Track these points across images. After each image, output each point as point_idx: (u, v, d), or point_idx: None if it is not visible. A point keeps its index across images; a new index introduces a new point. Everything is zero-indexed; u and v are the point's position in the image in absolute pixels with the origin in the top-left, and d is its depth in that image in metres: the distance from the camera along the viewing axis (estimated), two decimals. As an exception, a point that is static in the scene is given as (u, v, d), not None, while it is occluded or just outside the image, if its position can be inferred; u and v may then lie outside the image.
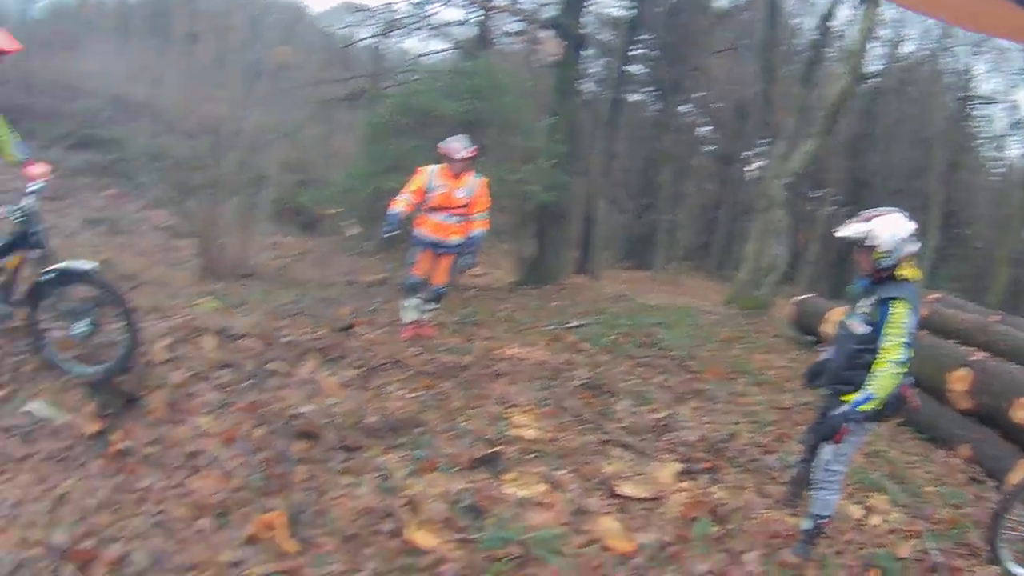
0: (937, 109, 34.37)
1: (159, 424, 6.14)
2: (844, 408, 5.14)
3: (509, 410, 7.32)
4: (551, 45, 16.41)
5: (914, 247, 5.23)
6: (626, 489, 6.11)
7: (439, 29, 23.37)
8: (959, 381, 9.27)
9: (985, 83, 35.82)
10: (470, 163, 9.31)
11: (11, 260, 6.83)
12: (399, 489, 5.50)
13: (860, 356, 5.26)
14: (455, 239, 9.44)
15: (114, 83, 27.05)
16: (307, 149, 22.54)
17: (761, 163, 38.57)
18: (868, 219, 5.25)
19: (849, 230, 5.28)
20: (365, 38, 23.70)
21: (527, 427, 6.96)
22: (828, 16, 22.67)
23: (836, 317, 12.78)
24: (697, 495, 6.27)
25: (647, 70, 34.79)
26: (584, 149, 19.74)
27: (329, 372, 7.46)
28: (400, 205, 9.15)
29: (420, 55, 25.73)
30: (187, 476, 5.45)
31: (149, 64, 15.05)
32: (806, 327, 14.56)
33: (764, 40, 24.28)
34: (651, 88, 36.47)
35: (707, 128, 40.34)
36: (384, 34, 22.53)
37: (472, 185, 9.38)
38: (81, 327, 6.85)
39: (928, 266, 29.46)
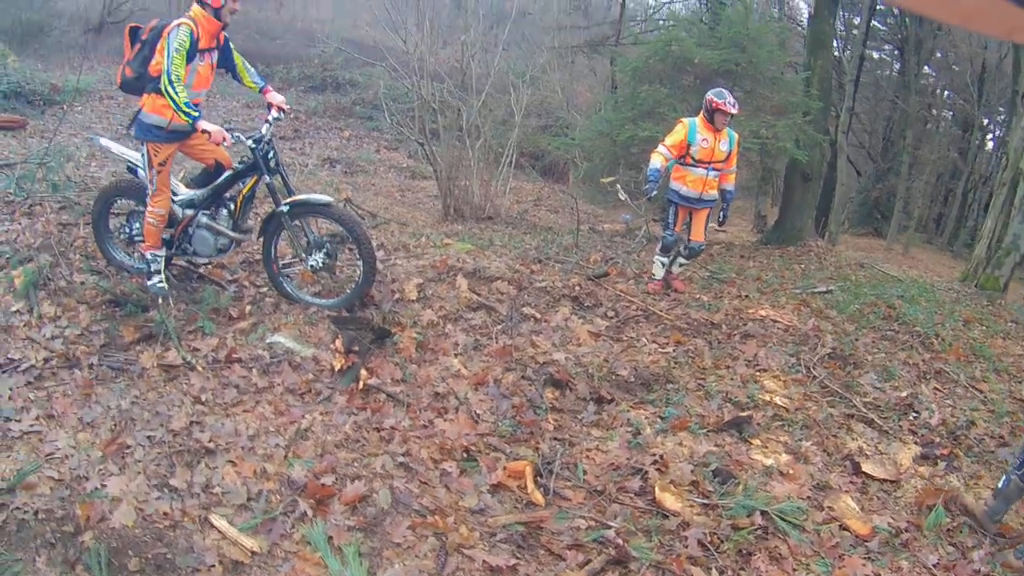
0: None
1: (408, 363, 6.42)
2: None
3: (759, 374, 7.39)
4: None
5: None
6: (867, 468, 6.09)
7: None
8: None
9: None
10: (730, 120, 9.22)
11: (246, 186, 7.25)
12: (648, 446, 5.65)
13: None
14: (712, 193, 9.43)
15: (349, 28, 27.98)
16: (549, 95, 22.67)
17: (1001, 133, 36.73)
18: None
19: None
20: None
21: (776, 393, 7.02)
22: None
23: None
24: (935, 482, 6.16)
25: (888, 28, 33.48)
26: (831, 107, 19.16)
27: (582, 320, 7.67)
28: (659, 159, 9.12)
29: (664, 2, 25.54)
30: (434, 417, 5.68)
31: (387, 8, 15.49)
32: None
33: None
34: (892, 46, 35.05)
35: (947, 92, 38.31)
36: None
37: (732, 139, 9.34)
38: (317, 259, 7.26)
39: None
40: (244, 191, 7.29)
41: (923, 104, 34.52)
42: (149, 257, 7.24)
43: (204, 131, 6.54)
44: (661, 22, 20.02)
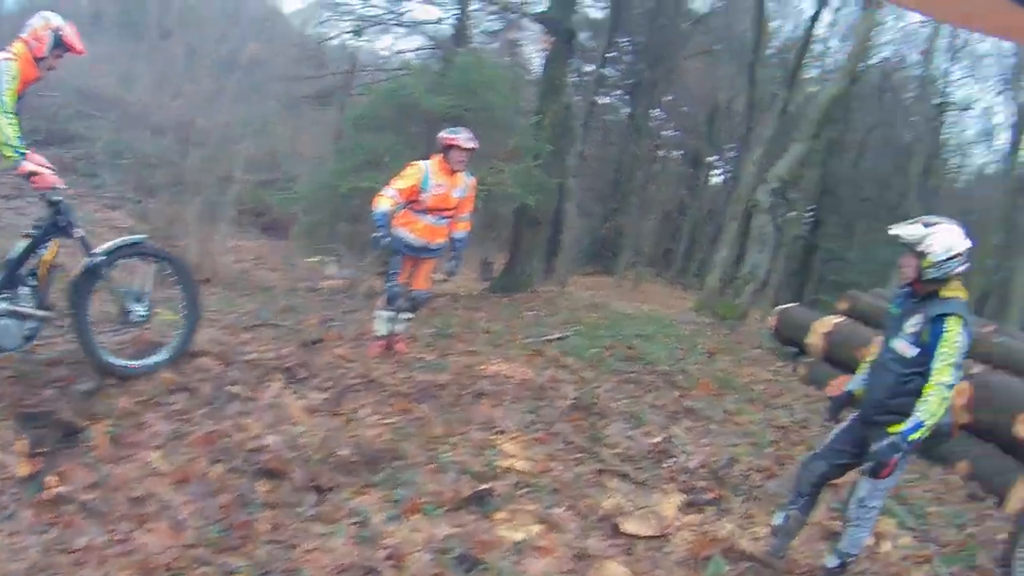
0: (913, 115, 34.26)
1: (102, 463, 5.29)
2: (892, 439, 4.62)
3: (495, 437, 6.68)
4: (540, 41, 15.81)
5: (964, 267, 4.78)
6: (629, 526, 5.57)
7: (415, 27, 22.89)
8: (957, 395, 8.76)
9: (959, 89, 35.71)
10: (468, 160, 8.55)
11: (48, 251, 6.30)
12: (380, 538, 4.80)
13: (909, 381, 4.81)
14: (441, 242, 8.71)
15: (81, 77, 26.29)
16: (274, 148, 21.83)
17: (728, 169, 38.91)
18: (927, 224, 4.80)
19: (905, 231, 4.83)
20: (338, 35, 23.12)
21: (516, 457, 6.34)
22: (815, 19, 22.17)
23: (822, 328, 12.41)
24: (706, 530, 5.76)
25: (620, 72, 34.67)
26: (565, 151, 19.13)
27: (295, 395, 6.69)
28: (387, 203, 8.19)
29: (397, 52, 25.30)
30: (134, 528, 4.65)
31: (119, 58, 14.42)
32: (787, 338, 14.06)
33: (753, 42, 23.90)
34: (622, 91, 36.39)
35: (676, 132, 40.06)
36: (359, 31, 21.95)
37: (466, 184, 8.67)
38: (142, 311, 6.53)
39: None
40: (47, 258, 6.21)
41: (652, 145, 35.83)
42: None
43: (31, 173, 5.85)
44: (379, 73, 19.56)
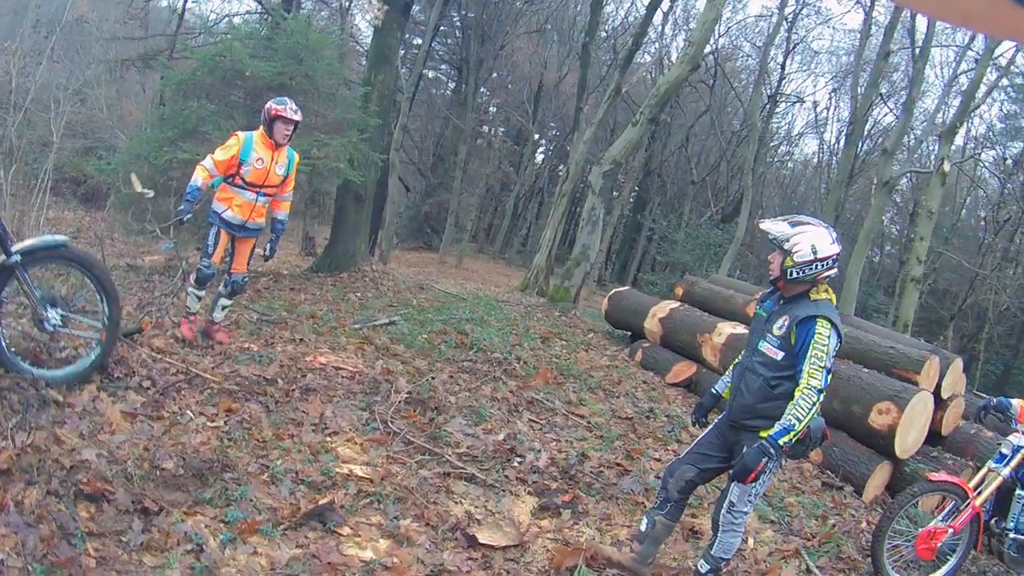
0: (745, 104, 35.28)
1: None
2: (761, 443, 4.49)
3: (330, 439, 6.21)
4: (374, 10, 15.12)
5: (831, 271, 4.68)
6: (484, 536, 5.24)
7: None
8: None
9: (791, 83, 37.36)
10: (292, 133, 7.98)
11: None
12: (217, 566, 4.19)
13: (778, 384, 4.71)
14: (260, 221, 8.17)
15: None
16: (95, 112, 20.45)
17: (551, 148, 39.28)
18: (795, 223, 4.72)
19: (772, 226, 4.74)
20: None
21: (354, 461, 5.90)
22: (655, 6, 22.21)
23: (659, 314, 12.45)
24: (565, 536, 5.55)
25: (448, 47, 34.47)
26: (390, 124, 18.55)
27: (112, 398, 5.91)
28: (203, 175, 7.67)
29: (226, 16, 24.25)
30: None
31: None
32: (619, 321, 14.23)
33: (588, 24, 23.86)
34: (448, 65, 36.24)
35: (500, 109, 40.07)
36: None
37: (290, 160, 8.13)
38: (55, 317, 5.97)
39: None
40: None
41: (477, 121, 35.79)
42: None
43: None
44: (220, 35, 18.53)
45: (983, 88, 24.24)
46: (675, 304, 12.83)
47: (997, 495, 6.40)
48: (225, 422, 6.02)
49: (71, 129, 15.17)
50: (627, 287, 16.47)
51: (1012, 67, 27.58)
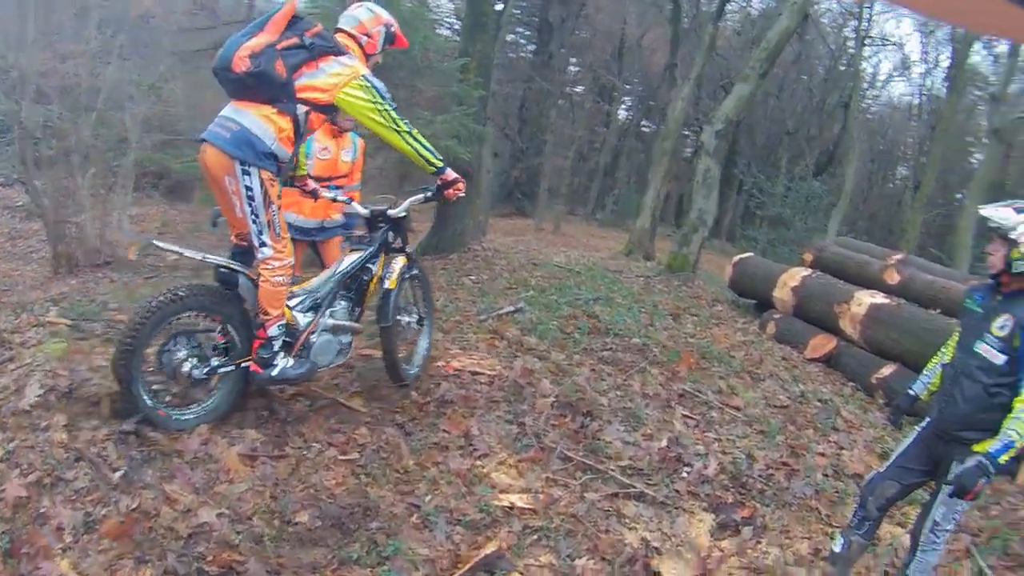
0: (834, 47, 34.13)
1: None
2: (981, 460, 3.95)
3: (480, 462, 5.31)
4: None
5: None
6: (666, 568, 4.55)
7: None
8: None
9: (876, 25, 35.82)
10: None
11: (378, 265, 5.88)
12: None
13: (998, 393, 4.14)
14: (337, 218, 7.34)
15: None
16: (172, 107, 20.07)
17: (637, 105, 38.37)
18: (1021, 209, 4.13)
19: (995, 214, 4.15)
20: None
21: (512, 489, 5.06)
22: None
23: (790, 282, 11.68)
24: (749, 561, 4.86)
25: (523, 9, 33.99)
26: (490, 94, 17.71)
27: (226, 438, 4.91)
28: None
29: (297, -3, 23.81)
30: None
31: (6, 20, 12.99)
32: (745, 290, 13.60)
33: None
34: (528, 27, 35.71)
35: (586, 69, 39.27)
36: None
37: (355, 147, 7.42)
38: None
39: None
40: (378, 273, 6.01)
41: (562, 82, 35.13)
42: None
43: None
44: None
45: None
46: (807, 272, 11.96)
47: None
48: (360, 454, 5.12)
49: (148, 124, 14.76)
50: (750, 253, 15.64)
51: None
